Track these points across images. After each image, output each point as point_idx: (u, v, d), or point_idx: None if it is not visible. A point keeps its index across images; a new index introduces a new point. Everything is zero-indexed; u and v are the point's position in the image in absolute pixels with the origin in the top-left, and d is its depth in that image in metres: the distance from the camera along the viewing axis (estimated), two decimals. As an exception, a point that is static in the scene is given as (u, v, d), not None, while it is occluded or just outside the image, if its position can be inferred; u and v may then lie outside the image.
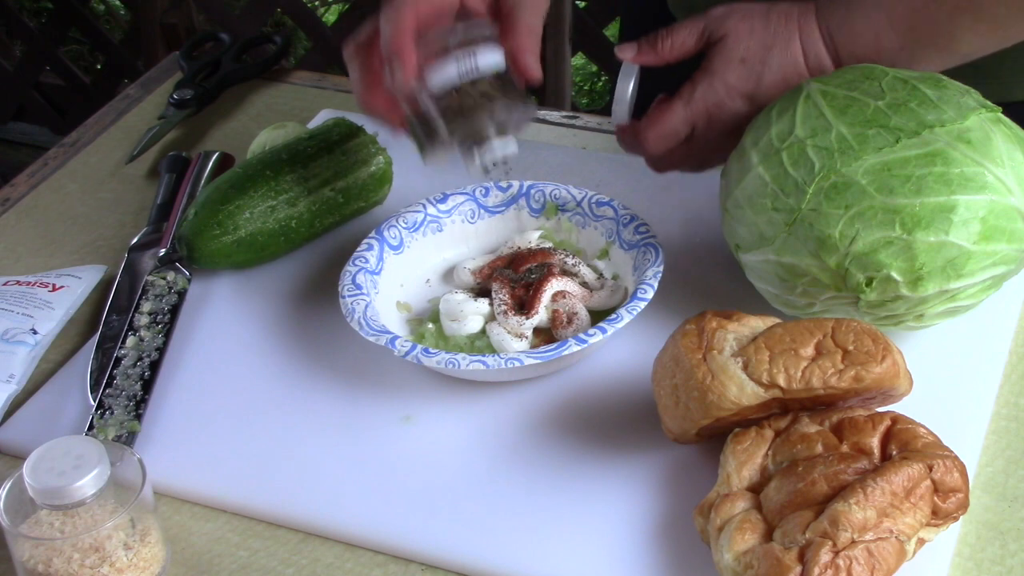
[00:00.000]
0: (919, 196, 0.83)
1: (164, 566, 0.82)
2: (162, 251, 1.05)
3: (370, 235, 1.00)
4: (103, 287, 1.06)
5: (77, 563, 0.77)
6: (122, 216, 1.15)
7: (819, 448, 0.78)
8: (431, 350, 0.89)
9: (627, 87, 0.98)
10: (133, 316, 0.98)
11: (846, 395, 0.79)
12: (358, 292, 0.95)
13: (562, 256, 0.98)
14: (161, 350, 0.96)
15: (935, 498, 0.75)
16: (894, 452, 0.77)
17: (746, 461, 0.80)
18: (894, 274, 0.85)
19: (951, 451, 0.77)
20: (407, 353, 0.89)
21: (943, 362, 0.91)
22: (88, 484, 0.77)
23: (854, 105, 0.87)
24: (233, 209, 1.02)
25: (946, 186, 0.83)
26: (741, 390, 0.78)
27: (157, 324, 0.98)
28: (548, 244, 1.01)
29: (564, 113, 1.21)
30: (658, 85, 0.98)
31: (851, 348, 0.79)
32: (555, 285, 0.95)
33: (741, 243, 0.91)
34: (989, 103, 0.88)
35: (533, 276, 0.96)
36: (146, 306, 0.99)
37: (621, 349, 0.94)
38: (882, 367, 0.78)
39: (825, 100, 0.87)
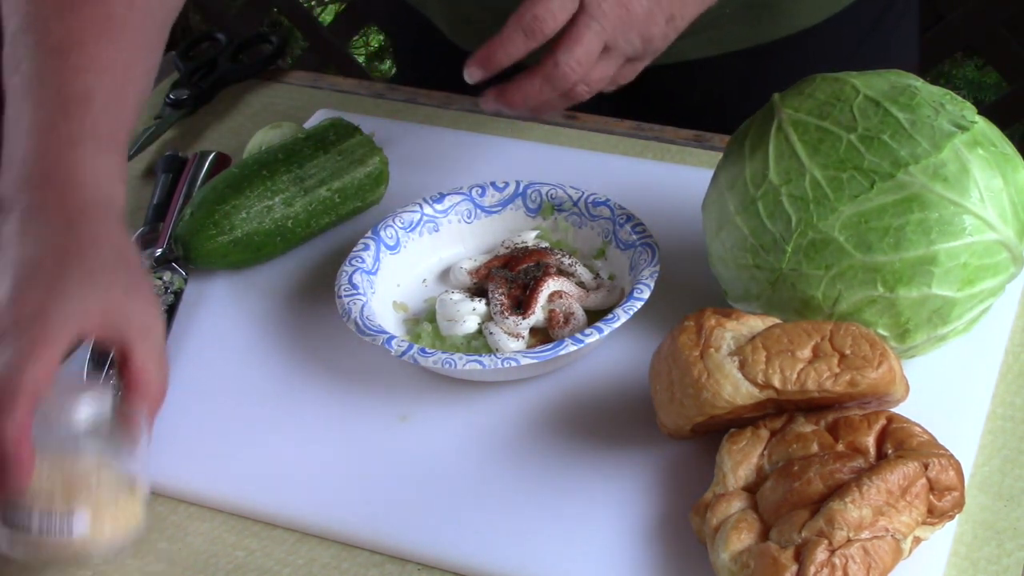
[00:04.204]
0: (898, 251, 0.82)
1: (140, 526, 0.80)
2: (158, 251, 1.05)
3: (366, 235, 1.00)
4: (99, 287, 1.06)
5: (61, 498, 0.76)
6: (118, 216, 1.14)
7: (815, 447, 0.78)
8: (427, 350, 0.89)
9: None
10: (129, 316, 0.98)
11: (841, 399, 0.80)
12: (354, 292, 0.95)
13: (559, 256, 0.98)
14: (157, 350, 0.96)
15: (931, 496, 0.75)
16: (890, 451, 0.77)
17: (742, 461, 0.80)
18: (881, 331, 0.85)
19: (946, 450, 0.78)
20: (403, 353, 0.89)
21: (939, 360, 0.91)
22: (86, 421, 0.78)
23: (827, 140, 0.85)
24: (229, 209, 1.02)
25: (925, 235, 0.82)
26: (736, 389, 0.78)
27: (153, 324, 0.98)
28: (545, 244, 1.01)
29: (563, 112, 1.21)
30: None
31: (848, 352, 0.79)
32: (552, 285, 0.95)
33: (729, 291, 0.91)
34: (965, 118, 0.85)
35: (530, 276, 0.96)
36: (142, 306, 0.99)
37: (618, 349, 0.94)
38: (878, 372, 0.78)
39: (797, 134, 0.86)
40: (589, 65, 0.88)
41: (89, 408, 0.80)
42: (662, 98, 1.20)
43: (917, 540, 0.76)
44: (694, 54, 1.17)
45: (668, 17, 0.89)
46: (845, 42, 1.20)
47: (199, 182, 1.11)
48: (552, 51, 0.86)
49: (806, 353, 0.79)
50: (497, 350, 0.92)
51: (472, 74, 0.88)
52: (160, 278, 1.02)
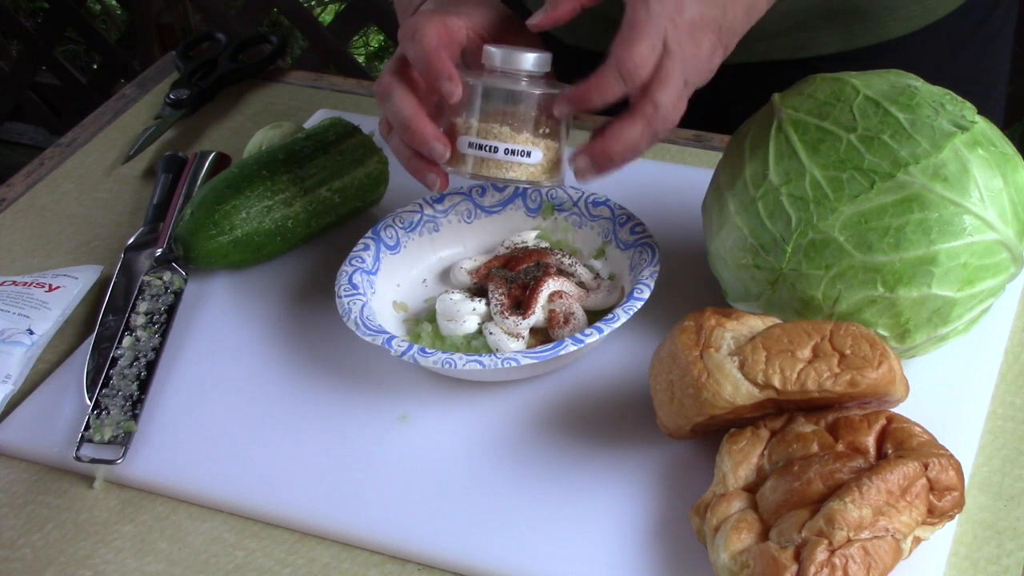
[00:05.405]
0: (898, 251, 0.82)
1: (562, 178, 0.91)
2: (158, 251, 1.05)
3: (366, 235, 1.00)
4: (99, 287, 1.06)
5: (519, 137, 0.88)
6: (118, 216, 1.15)
7: (815, 447, 0.78)
8: (428, 350, 0.89)
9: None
10: (129, 316, 0.98)
11: (841, 399, 0.80)
12: (354, 292, 0.95)
13: (559, 256, 0.98)
14: (157, 350, 0.96)
15: (931, 496, 0.75)
16: (890, 451, 0.77)
17: (742, 461, 0.80)
18: (881, 331, 0.85)
19: (946, 450, 0.78)
20: (403, 353, 0.89)
21: (939, 361, 0.91)
22: (529, 77, 0.89)
23: (827, 140, 0.85)
24: (229, 209, 1.02)
25: (925, 235, 0.82)
26: (736, 389, 0.78)
27: (153, 324, 0.98)
28: (545, 244, 1.01)
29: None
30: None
31: (848, 352, 0.79)
32: (552, 285, 0.95)
33: (728, 291, 0.92)
34: (964, 119, 0.85)
35: (530, 276, 0.96)
36: (142, 306, 0.99)
37: (617, 349, 0.94)
38: (878, 372, 0.78)
39: (797, 134, 0.86)
40: (682, 105, 0.86)
41: (532, 64, 0.89)
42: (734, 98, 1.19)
43: (917, 540, 0.76)
44: (777, 55, 1.15)
45: (724, 49, 0.88)
46: (934, 56, 1.17)
47: (199, 182, 1.12)
48: (647, 93, 0.85)
49: (806, 353, 0.79)
50: (497, 350, 0.92)
51: (560, 110, 0.89)
52: (160, 278, 1.02)
